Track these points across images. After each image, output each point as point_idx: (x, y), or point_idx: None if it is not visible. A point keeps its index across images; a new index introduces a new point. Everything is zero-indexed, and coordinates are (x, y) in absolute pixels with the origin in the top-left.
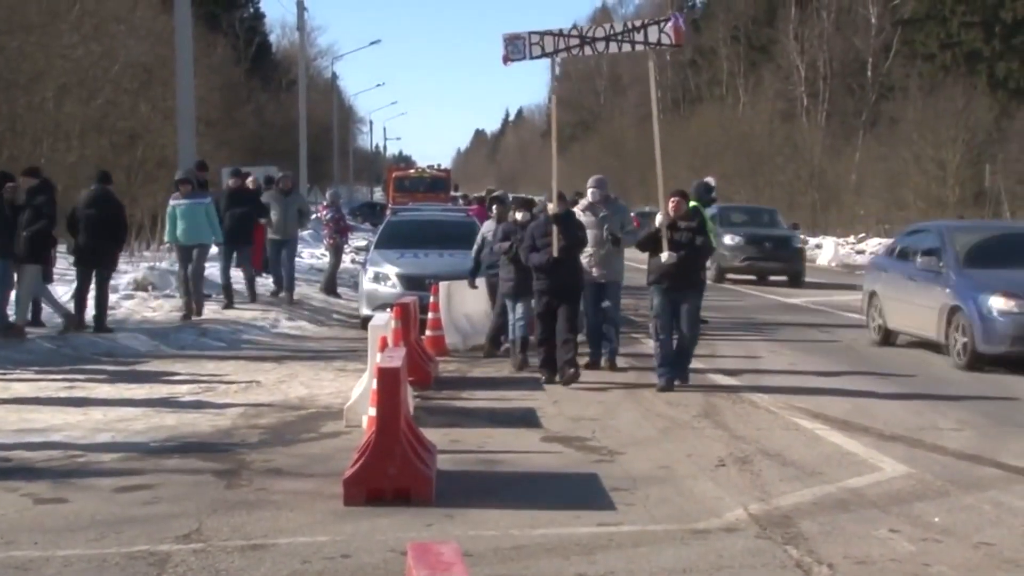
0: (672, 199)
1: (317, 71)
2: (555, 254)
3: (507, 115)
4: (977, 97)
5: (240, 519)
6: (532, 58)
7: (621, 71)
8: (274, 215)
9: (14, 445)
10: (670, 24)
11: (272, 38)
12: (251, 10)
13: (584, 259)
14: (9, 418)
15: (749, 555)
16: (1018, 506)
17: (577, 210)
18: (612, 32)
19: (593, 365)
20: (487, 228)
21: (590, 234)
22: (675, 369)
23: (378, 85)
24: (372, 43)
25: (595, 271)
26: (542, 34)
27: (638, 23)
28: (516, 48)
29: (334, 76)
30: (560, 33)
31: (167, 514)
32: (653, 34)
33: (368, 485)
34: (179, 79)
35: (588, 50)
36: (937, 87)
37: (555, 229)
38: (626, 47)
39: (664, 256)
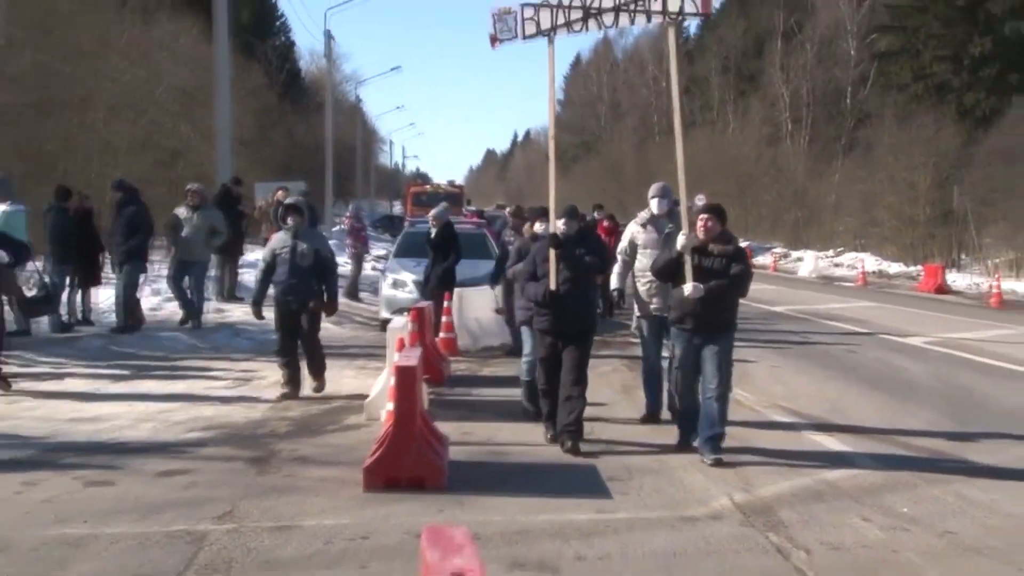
0: (703, 216)
1: (342, 95)
2: (551, 287)
3: (515, 136)
4: (946, 125)
5: (270, 502)
6: (525, 38)
7: (620, 98)
8: (185, 232)
9: (67, 433)
10: None
11: (302, 65)
12: (283, 39)
13: (642, 287)
14: (63, 409)
15: (733, 540)
16: (979, 498)
17: (636, 224)
18: (623, 1)
19: (651, 418)
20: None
21: (651, 254)
22: (704, 437)
23: (398, 108)
24: (392, 69)
25: (655, 302)
26: (537, 6)
27: None
28: (506, 26)
29: (358, 100)
30: (559, 5)
31: (204, 497)
32: (674, 1)
33: (386, 473)
34: (217, 102)
35: (593, 24)
36: (910, 115)
37: (553, 256)
38: (641, 19)
39: (687, 288)
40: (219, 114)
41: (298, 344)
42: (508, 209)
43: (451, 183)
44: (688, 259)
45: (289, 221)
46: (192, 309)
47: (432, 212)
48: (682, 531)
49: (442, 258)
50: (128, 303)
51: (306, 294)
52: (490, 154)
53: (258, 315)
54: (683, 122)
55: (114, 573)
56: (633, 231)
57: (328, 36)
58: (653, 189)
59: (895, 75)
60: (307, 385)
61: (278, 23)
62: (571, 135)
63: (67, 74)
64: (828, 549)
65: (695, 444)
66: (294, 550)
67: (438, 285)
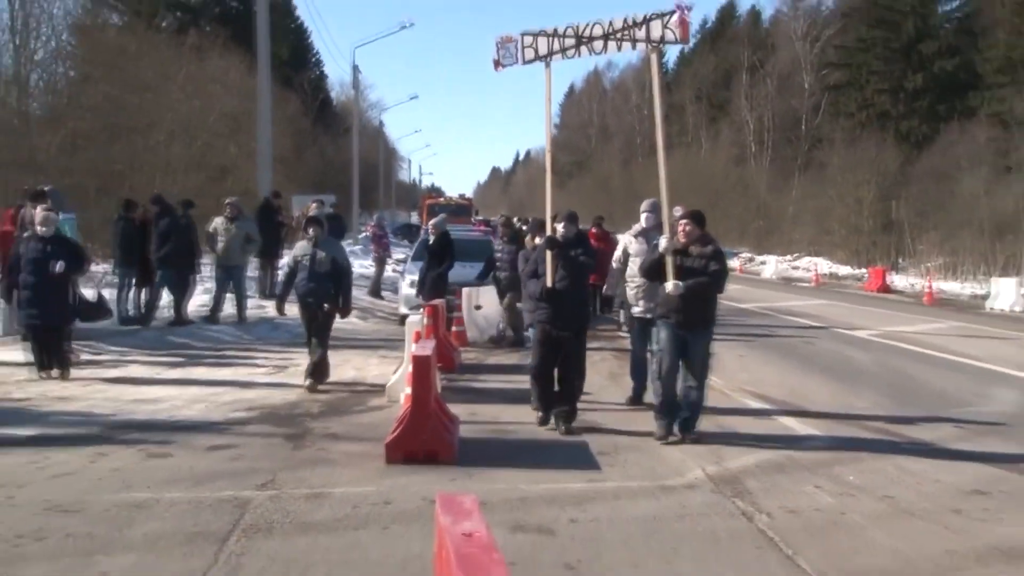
0: (682, 221)
1: (367, 120)
2: (548, 284)
3: (517, 155)
4: (886, 148)
5: (304, 473)
6: (525, 62)
7: (608, 123)
8: (221, 241)
9: (131, 412)
10: (675, 18)
11: (332, 94)
12: (316, 72)
13: (631, 291)
14: (127, 392)
15: (705, 506)
16: (914, 468)
17: (629, 235)
18: (611, 30)
19: (636, 400)
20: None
21: (639, 263)
22: (680, 418)
23: (416, 131)
24: (411, 98)
25: (641, 305)
26: (535, 35)
27: (639, 18)
28: (508, 52)
29: (381, 124)
30: (554, 33)
31: (247, 468)
32: (656, 30)
33: (405, 448)
34: (259, 126)
35: (585, 51)
36: (856, 140)
37: (548, 256)
38: (627, 46)
39: (669, 286)
40: (261, 137)
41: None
42: (499, 218)
43: (461, 196)
44: (670, 260)
45: (310, 232)
46: (219, 309)
47: (432, 221)
48: (661, 498)
49: (438, 263)
50: (151, 303)
51: (323, 296)
52: (495, 171)
53: (280, 311)
54: (665, 141)
55: (172, 532)
56: (626, 241)
57: (355, 70)
58: (644, 204)
59: (843, 105)
60: (340, 373)
61: (312, 58)
62: (566, 154)
63: (134, 104)
64: (786, 513)
65: (675, 429)
66: (325, 514)
67: (432, 290)
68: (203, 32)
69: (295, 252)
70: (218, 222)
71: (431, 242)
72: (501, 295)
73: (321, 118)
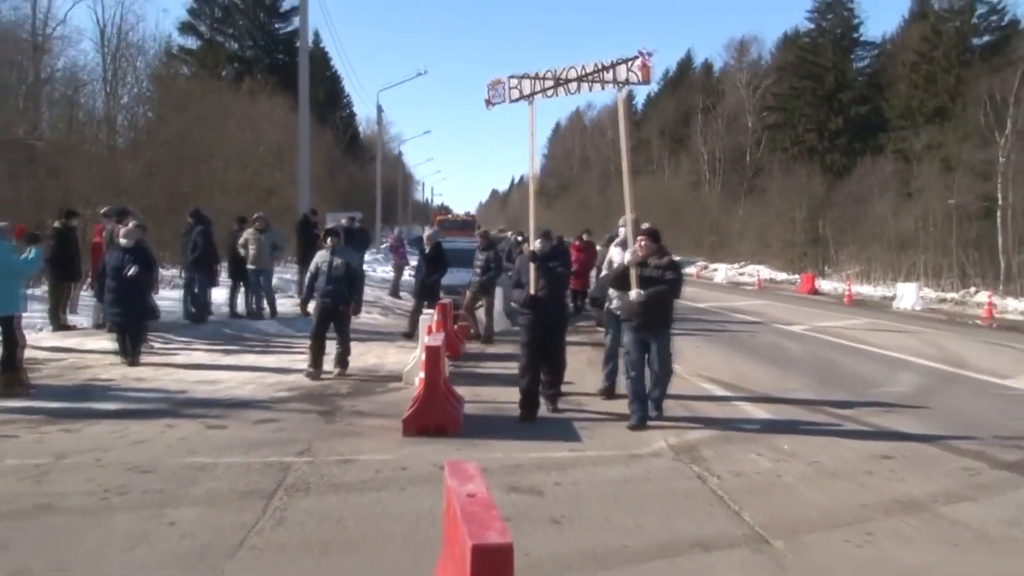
0: (640, 238)
1: (388, 150)
2: (531, 291)
3: (513, 180)
4: (814, 177)
5: (335, 443)
6: (511, 101)
7: (588, 153)
8: (252, 249)
9: (194, 391)
10: (637, 62)
11: (360, 129)
12: (346, 111)
13: (611, 293)
14: (191, 375)
15: (667, 471)
16: (836, 438)
17: (613, 247)
18: (584, 73)
19: (608, 391)
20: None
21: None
22: (647, 405)
23: (428, 159)
24: (425, 132)
25: (615, 303)
26: (520, 78)
27: (607, 63)
28: (497, 92)
29: (399, 154)
30: (536, 76)
31: (289, 438)
32: (622, 73)
33: (418, 423)
34: (300, 156)
35: (562, 91)
36: (789, 170)
37: (531, 267)
38: (597, 87)
39: (632, 294)
40: (301, 164)
41: (327, 332)
42: (477, 232)
43: (467, 213)
44: (633, 271)
45: (328, 242)
46: (271, 303)
47: (426, 233)
48: (631, 465)
49: (433, 270)
50: (195, 301)
51: (339, 297)
52: (494, 192)
53: (304, 312)
54: (630, 166)
55: (228, 490)
56: (611, 252)
57: (379, 109)
58: (622, 220)
59: (779, 141)
60: (364, 360)
61: (343, 99)
62: (552, 180)
63: (198, 138)
64: (733, 476)
65: (651, 414)
66: (353, 477)
67: (424, 295)
68: (255, 79)
69: (316, 259)
70: (248, 233)
71: (427, 251)
72: (475, 297)
73: (350, 149)
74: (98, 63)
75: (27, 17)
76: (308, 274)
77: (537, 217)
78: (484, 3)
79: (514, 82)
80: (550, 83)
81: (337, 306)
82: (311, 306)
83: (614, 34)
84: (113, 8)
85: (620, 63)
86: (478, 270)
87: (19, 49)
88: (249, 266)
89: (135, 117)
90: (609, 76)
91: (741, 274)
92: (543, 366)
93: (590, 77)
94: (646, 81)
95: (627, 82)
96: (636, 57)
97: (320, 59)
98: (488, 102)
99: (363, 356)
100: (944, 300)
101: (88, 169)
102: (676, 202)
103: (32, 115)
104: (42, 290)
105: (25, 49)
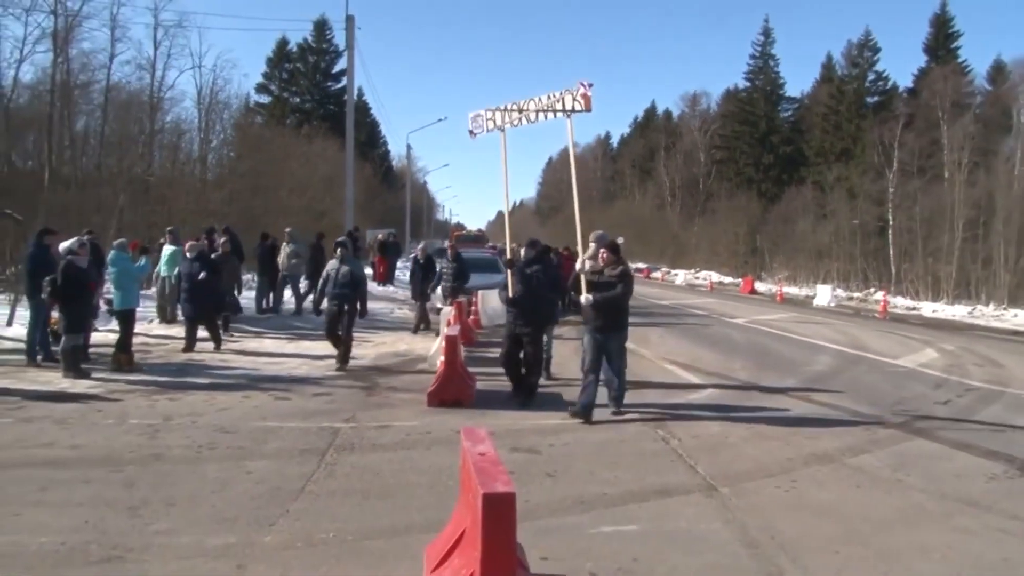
0: (601, 251)
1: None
2: (510, 295)
3: (515, 202)
4: (752, 201)
5: (374, 412)
6: (488, 131)
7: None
8: (281, 258)
9: (264, 370)
10: (580, 93)
11: (393, 163)
12: (383, 149)
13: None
14: (262, 359)
15: (638, 435)
16: (770, 407)
17: (587, 259)
18: (540, 104)
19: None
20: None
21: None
22: (610, 398)
23: (447, 187)
24: (444, 165)
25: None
26: (494, 110)
27: (557, 95)
28: (478, 124)
29: (424, 182)
30: (505, 108)
31: (337, 409)
32: (569, 102)
33: (440, 397)
34: (346, 184)
35: (524, 120)
36: (733, 195)
37: (510, 273)
38: (551, 115)
39: (582, 298)
40: (347, 191)
41: (337, 330)
42: (447, 242)
43: (479, 229)
44: (584, 277)
45: (337, 252)
46: (300, 305)
47: (420, 245)
48: (609, 430)
49: (425, 276)
50: (271, 300)
51: (344, 299)
52: (500, 213)
53: (317, 313)
54: (578, 182)
55: (291, 448)
56: (586, 264)
57: (408, 147)
58: (592, 236)
59: (725, 173)
60: (396, 346)
61: (380, 140)
62: (546, 202)
63: (267, 172)
64: (690, 438)
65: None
66: (388, 439)
67: (422, 295)
68: (312, 126)
69: (327, 267)
70: (284, 246)
71: (421, 261)
72: (444, 299)
73: (385, 179)
74: (195, 116)
75: (148, 85)
76: (320, 280)
77: (528, 232)
78: (496, 67)
79: (489, 114)
80: (516, 114)
81: (342, 307)
82: (323, 305)
83: (601, 92)
84: (208, 75)
85: (566, 93)
86: (445, 276)
87: (141, 109)
88: (281, 272)
89: (221, 156)
90: (559, 105)
91: (696, 278)
92: (523, 359)
93: (545, 107)
94: (588, 109)
95: (573, 110)
96: (579, 89)
97: (362, 109)
98: (471, 132)
99: (395, 344)
100: (851, 298)
101: (186, 197)
102: (644, 221)
103: (148, 157)
104: (152, 290)
105: (145, 109)
